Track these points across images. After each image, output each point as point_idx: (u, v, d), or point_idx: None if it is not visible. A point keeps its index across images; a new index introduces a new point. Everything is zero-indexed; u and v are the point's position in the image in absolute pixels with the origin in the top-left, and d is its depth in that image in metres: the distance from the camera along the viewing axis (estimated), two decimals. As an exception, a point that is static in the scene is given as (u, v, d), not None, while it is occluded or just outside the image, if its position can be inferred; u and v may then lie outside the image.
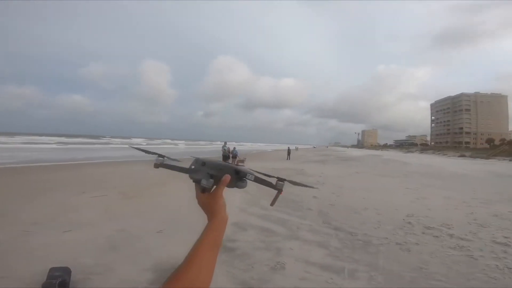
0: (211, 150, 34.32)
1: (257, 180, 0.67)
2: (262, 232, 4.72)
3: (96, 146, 42.76)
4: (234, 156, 16.55)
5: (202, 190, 0.62)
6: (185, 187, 9.03)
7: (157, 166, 0.69)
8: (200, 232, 0.60)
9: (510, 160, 33.94)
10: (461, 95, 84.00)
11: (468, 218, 5.65)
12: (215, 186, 0.64)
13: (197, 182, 0.63)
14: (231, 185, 0.64)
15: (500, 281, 2.80)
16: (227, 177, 0.62)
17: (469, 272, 3.09)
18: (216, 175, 0.63)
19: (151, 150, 0.76)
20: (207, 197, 0.62)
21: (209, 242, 0.56)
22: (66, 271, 2.87)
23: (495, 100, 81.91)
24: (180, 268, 0.51)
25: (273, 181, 0.68)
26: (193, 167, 0.64)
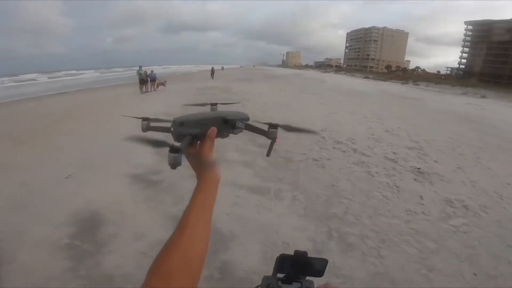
0: (128, 75, 29.06)
1: (248, 127, 0.61)
2: None
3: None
4: (153, 80, 14.77)
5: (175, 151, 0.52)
6: (97, 119, 7.49)
7: (145, 130, 0.66)
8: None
9: (401, 83, 40.56)
10: (372, 28, 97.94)
11: (367, 133, 6.61)
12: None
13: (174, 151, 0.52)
14: (223, 135, 0.60)
15: (391, 200, 3.47)
16: (212, 131, 0.56)
17: (368, 189, 3.71)
18: (201, 133, 0.56)
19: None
20: (194, 156, 0.56)
21: (199, 207, 0.50)
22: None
23: (398, 35, 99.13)
24: (171, 239, 0.45)
25: (265, 128, 0.62)
26: (172, 129, 0.55)
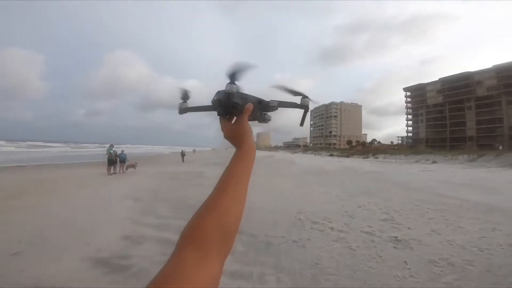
0: (97, 153, 29.18)
1: (282, 104, 0.64)
2: (161, 244, 4.20)
3: None
4: (122, 161, 14.30)
5: (230, 113, 0.59)
6: (52, 198, 7.14)
7: (182, 111, 0.65)
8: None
9: (363, 158, 43.86)
10: (331, 103, 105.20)
11: (341, 210, 6.74)
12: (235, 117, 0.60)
13: (220, 115, 0.60)
14: (255, 117, 0.62)
15: (377, 270, 3.36)
16: (250, 105, 0.59)
17: (352, 263, 3.59)
18: (241, 104, 0.58)
19: None
20: (232, 126, 0.59)
21: (238, 172, 0.51)
22: None
23: (354, 109, 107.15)
24: (208, 203, 0.45)
25: (298, 100, 0.65)
26: (215, 97, 0.59)
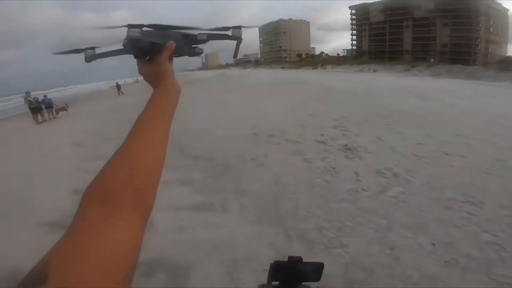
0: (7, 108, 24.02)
1: (211, 37, 0.58)
2: None
3: None
4: (49, 106, 12.04)
5: (148, 53, 0.51)
6: None
7: (89, 59, 0.55)
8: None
9: (313, 69, 46.75)
10: (280, 20, 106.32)
11: (295, 120, 6.82)
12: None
13: (137, 57, 0.52)
14: (182, 52, 0.56)
15: (332, 184, 3.54)
16: (171, 44, 0.52)
17: (310, 178, 3.73)
18: (159, 43, 0.51)
19: None
20: (150, 66, 0.51)
21: (155, 111, 0.43)
22: None
23: (302, 25, 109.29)
24: (116, 153, 0.36)
25: (229, 32, 0.59)
26: (125, 41, 0.51)
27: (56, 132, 9.03)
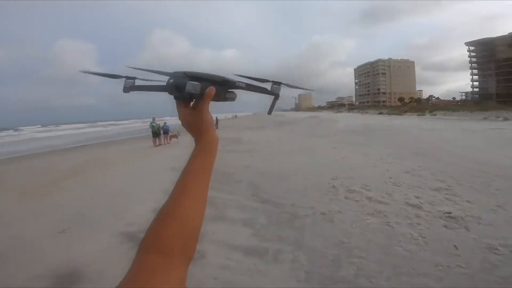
0: (140, 128, 31.80)
1: (250, 87, 0.57)
2: None
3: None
4: (165, 132, 14.81)
5: (187, 99, 0.51)
6: (99, 175, 7.69)
7: (127, 90, 0.59)
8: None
9: (418, 115, 40.00)
10: (378, 60, 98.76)
11: (384, 176, 6.00)
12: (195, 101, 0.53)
13: (177, 98, 0.52)
14: (219, 98, 0.55)
15: (415, 255, 2.82)
16: (211, 90, 0.51)
17: (387, 244, 3.08)
18: (200, 90, 0.51)
19: None
20: (192, 115, 0.52)
21: (199, 169, 0.47)
22: None
23: (405, 65, 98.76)
24: (168, 205, 0.42)
25: (268, 86, 0.58)
26: (171, 81, 0.51)
27: (164, 156, 10.63)
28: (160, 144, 14.13)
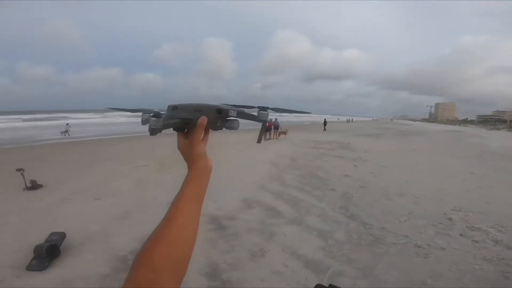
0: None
1: (240, 115, 0.58)
2: (267, 212, 4.62)
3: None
4: (276, 128, 15.88)
5: (183, 130, 0.56)
6: (225, 153, 9.08)
7: (144, 122, 0.59)
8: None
9: None
10: None
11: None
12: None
13: (175, 130, 0.57)
14: (216, 127, 0.57)
15: None
16: (203, 120, 0.54)
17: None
18: (192, 118, 0.55)
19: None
20: (185, 144, 0.55)
21: (189, 196, 0.50)
22: (62, 235, 3.32)
23: None
24: (159, 228, 0.45)
25: (256, 112, 0.60)
26: (163, 114, 0.57)
27: (269, 150, 11.29)
28: (269, 138, 15.10)
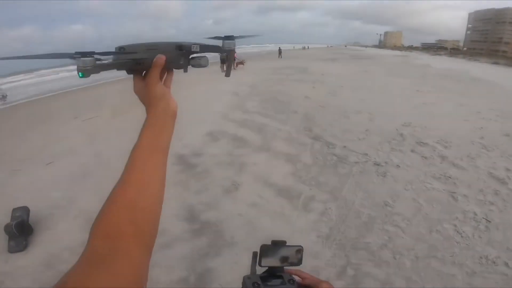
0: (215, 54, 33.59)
1: (203, 49, 0.52)
2: (234, 142, 4.33)
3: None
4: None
5: (139, 71, 0.48)
6: (184, 89, 8.09)
7: (86, 73, 0.43)
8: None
9: None
10: (507, 9, 74.24)
11: (475, 134, 4.88)
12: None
13: (128, 73, 0.48)
14: (179, 65, 0.51)
15: (465, 240, 2.33)
16: (159, 59, 0.46)
17: (438, 219, 2.64)
18: (147, 58, 0.46)
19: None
20: (141, 87, 0.47)
21: (146, 146, 0.41)
22: (25, 210, 2.86)
23: None
24: (115, 189, 0.38)
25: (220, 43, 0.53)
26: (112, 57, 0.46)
27: (228, 80, 10.57)
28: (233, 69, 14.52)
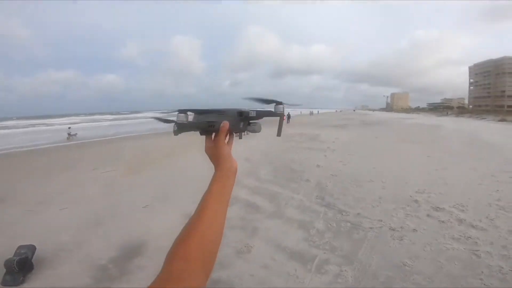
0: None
1: (260, 114, 0.60)
2: (246, 208, 4.48)
3: (123, 122, 42.33)
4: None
5: (210, 133, 0.59)
6: (185, 158, 8.85)
7: (177, 133, 0.61)
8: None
9: None
10: (504, 58, 77.58)
11: (491, 197, 4.84)
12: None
13: (201, 134, 0.59)
14: (239, 129, 0.60)
15: None
16: (225, 123, 0.57)
17: (462, 275, 2.56)
18: (215, 121, 0.57)
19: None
20: (212, 148, 0.58)
21: (216, 195, 0.53)
22: (31, 248, 3.01)
23: None
24: (190, 224, 0.48)
25: (272, 107, 0.61)
26: (175, 125, 0.59)
27: (243, 145, 10.81)
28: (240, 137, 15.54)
